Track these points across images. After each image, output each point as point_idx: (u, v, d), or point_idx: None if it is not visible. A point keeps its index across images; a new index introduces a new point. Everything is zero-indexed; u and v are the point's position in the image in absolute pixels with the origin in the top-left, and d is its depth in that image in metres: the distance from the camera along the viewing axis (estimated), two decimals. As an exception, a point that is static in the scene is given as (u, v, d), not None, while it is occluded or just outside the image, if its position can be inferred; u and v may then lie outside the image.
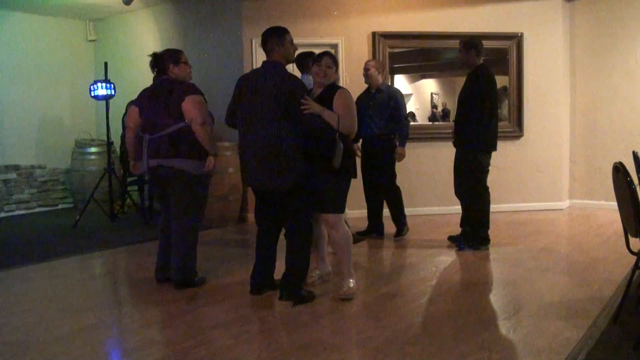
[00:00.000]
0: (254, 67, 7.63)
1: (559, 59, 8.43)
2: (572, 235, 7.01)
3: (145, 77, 8.44)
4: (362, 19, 7.82)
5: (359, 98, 6.24)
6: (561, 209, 8.46)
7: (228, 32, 7.91)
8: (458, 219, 6.24)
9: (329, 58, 4.47)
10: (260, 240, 4.58)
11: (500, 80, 8.34)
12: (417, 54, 8.12)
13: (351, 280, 4.50)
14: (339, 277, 4.70)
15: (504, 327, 3.82)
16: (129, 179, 8.39)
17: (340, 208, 4.44)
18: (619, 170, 3.61)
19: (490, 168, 5.94)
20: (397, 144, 6.45)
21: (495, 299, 4.49)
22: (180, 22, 8.63)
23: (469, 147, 5.80)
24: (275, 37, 4.32)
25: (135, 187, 8.46)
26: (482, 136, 5.74)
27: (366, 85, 6.49)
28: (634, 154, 4.40)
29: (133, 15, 9.28)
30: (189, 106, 4.64)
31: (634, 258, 3.83)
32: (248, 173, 4.38)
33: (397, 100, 6.42)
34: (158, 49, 8.88)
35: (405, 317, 4.08)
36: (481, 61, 5.87)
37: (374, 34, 7.78)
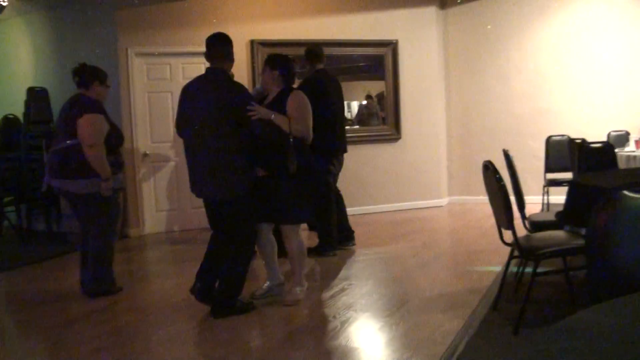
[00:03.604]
0: (130, 76, 7.49)
1: (434, 64, 8.80)
2: (451, 230, 7.32)
3: (19, 88, 8.05)
4: (240, 27, 7.79)
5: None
6: (441, 206, 8.81)
7: (103, 41, 7.63)
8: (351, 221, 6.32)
9: (266, 62, 4.40)
10: (211, 242, 4.38)
11: (379, 86, 8.61)
12: (297, 60, 8.20)
13: (299, 289, 4.44)
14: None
15: (387, 324, 3.92)
16: (5, 200, 7.89)
17: (295, 218, 4.34)
18: (488, 168, 3.81)
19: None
20: None
21: (378, 297, 4.59)
22: (54, 31, 8.24)
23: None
24: (222, 44, 4.21)
25: (13, 208, 7.97)
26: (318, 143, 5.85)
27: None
28: (504, 152, 4.66)
29: (5, 24, 8.76)
30: (82, 125, 4.60)
31: (509, 248, 4.05)
32: (194, 183, 4.23)
33: None
34: (32, 59, 8.53)
35: (290, 322, 4.10)
36: (319, 67, 6.00)
37: (252, 41, 7.79)
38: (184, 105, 4.23)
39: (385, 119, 8.62)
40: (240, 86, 4.27)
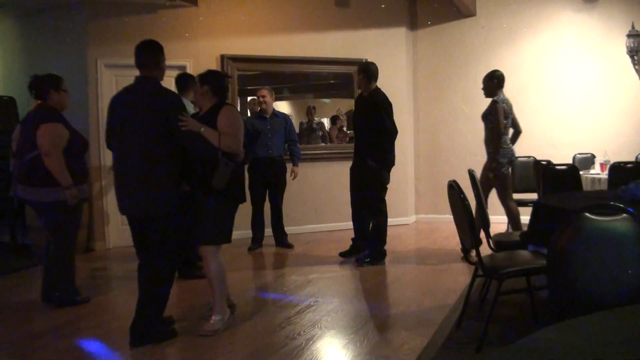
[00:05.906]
0: (99, 88, 7.43)
1: (403, 83, 8.90)
2: (417, 248, 7.36)
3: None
4: (211, 42, 7.80)
5: (252, 122, 6.84)
6: (408, 224, 8.88)
7: (72, 52, 7.57)
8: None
9: (197, 78, 4.31)
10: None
11: (349, 104, 8.68)
12: (269, 76, 8.23)
13: (219, 317, 4.18)
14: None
15: (352, 341, 3.92)
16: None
17: (215, 238, 4.13)
18: (453, 187, 3.86)
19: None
20: (292, 164, 7.10)
21: (343, 314, 4.59)
22: (24, 39, 8.13)
23: (376, 165, 6.05)
24: (152, 52, 4.05)
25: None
26: (385, 155, 6.07)
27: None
28: (470, 172, 4.72)
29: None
30: (39, 134, 4.67)
31: (473, 267, 4.10)
32: (122, 200, 4.00)
33: (291, 123, 7.16)
34: (1, 67, 8.36)
35: (255, 340, 4.06)
36: (374, 85, 6.19)
37: (222, 56, 7.79)
38: (113, 117, 4.03)
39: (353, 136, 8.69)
40: (172, 93, 4.16)
